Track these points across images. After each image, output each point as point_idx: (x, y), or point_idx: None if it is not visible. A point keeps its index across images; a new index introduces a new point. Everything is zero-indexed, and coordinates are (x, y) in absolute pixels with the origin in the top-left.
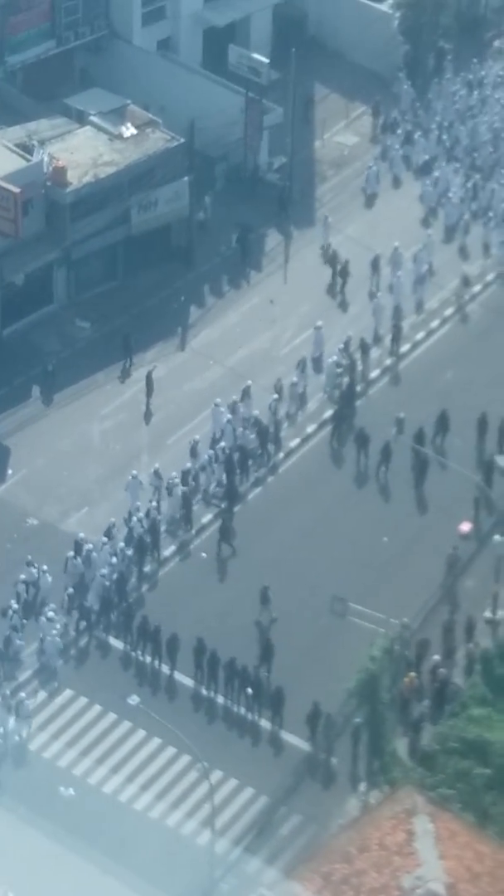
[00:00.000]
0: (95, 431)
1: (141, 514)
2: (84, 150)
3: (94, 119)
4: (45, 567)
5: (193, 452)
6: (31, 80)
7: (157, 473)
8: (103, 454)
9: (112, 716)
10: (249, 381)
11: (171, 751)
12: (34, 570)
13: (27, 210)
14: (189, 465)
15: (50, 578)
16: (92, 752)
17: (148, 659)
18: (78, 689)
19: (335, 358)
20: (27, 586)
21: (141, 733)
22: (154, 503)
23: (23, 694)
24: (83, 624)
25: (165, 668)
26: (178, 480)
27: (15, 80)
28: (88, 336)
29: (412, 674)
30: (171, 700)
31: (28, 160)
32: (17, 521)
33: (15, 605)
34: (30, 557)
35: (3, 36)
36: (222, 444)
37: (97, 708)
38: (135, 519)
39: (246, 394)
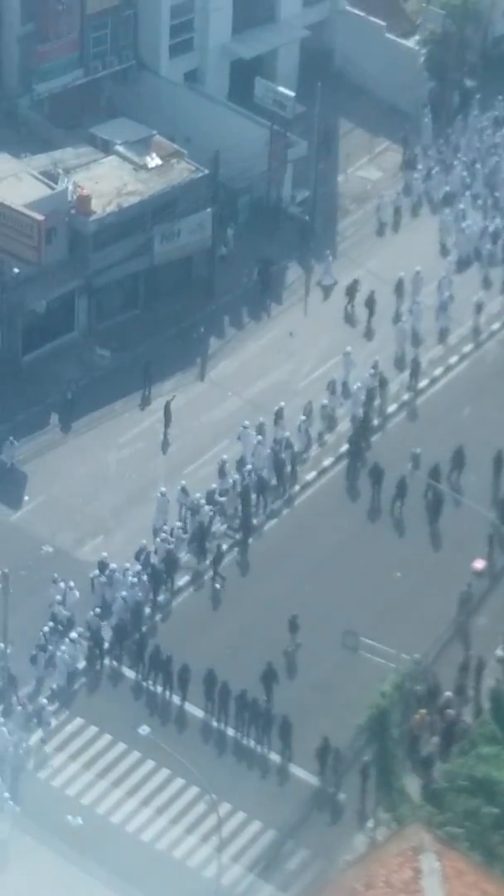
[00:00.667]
0: (112, 460)
1: (166, 533)
2: (109, 180)
3: (119, 149)
4: (71, 583)
5: (221, 473)
6: (57, 109)
7: (184, 490)
8: (120, 483)
9: (122, 745)
10: (282, 403)
11: (179, 782)
12: (62, 586)
13: (50, 238)
14: (215, 485)
15: (77, 594)
16: (101, 781)
17: (159, 689)
18: (89, 718)
19: (359, 384)
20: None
21: (150, 764)
22: (179, 522)
23: (43, 700)
24: (97, 652)
25: (176, 699)
26: (202, 500)
27: (42, 109)
28: (108, 364)
29: (422, 711)
30: (181, 731)
31: (53, 188)
32: (32, 549)
33: (50, 625)
34: (56, 575)
35: (31, 64)
36: (248, 466)
37: (107, 737)
38: (161, 537)
39: (279, 416)
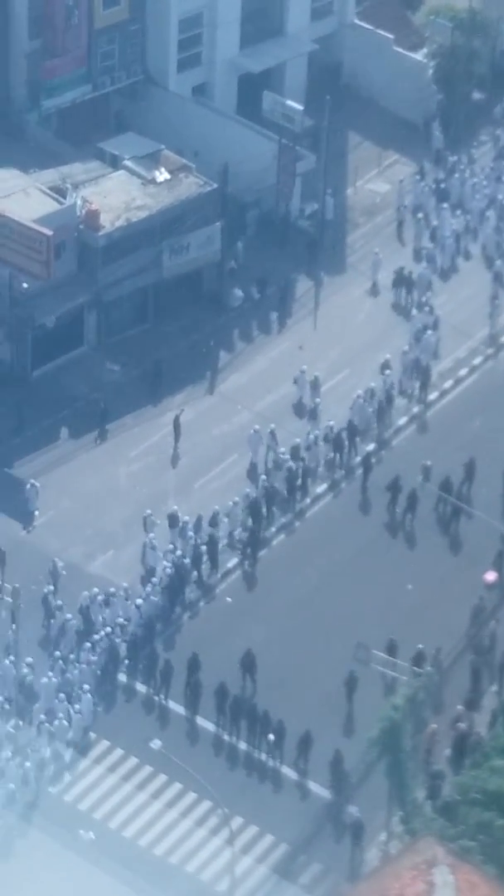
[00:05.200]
0: (122, 474)
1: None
2: (117, 194)
3: (127, 163)
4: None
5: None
6: (66, 124)
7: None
8: (130, 497)
9: (134, 760)
10: (318, 399)
11: (191, 796)
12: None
13: (59, 253)
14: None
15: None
16: (113, 796)
17: (171, 703)
18: (100, 733)
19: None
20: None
21: (162, 778)
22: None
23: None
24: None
25: (188, 713)
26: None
27: (50, 124)
28: (118, 379)
29: (434, 726)
30: (193, 745)
31: (61, 203)
32: (42, 563)
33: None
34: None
35: (39, 80)
36: (263, 476)
37: (119, 752)
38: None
39: (314, 414)
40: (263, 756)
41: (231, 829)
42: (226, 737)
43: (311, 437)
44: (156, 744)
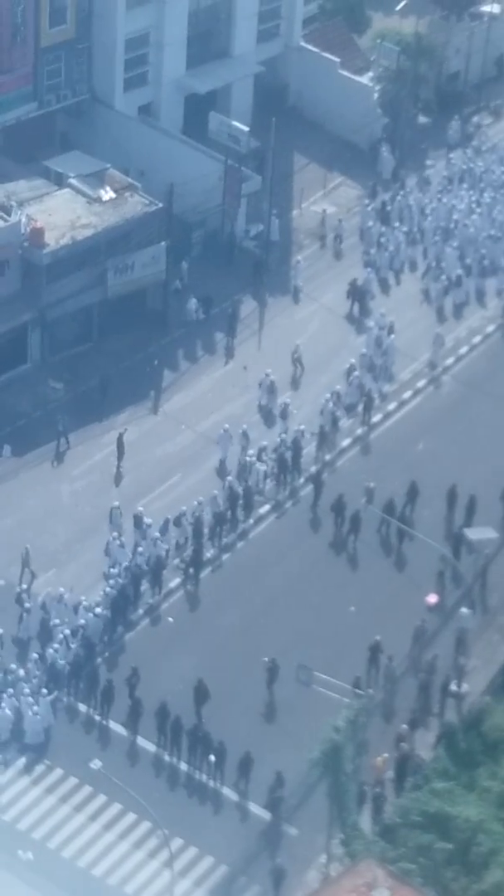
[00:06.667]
0: (65, 492)
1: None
2: (62, 213)
3: (73, 182)
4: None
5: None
6: (11, 142)
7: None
8: (72, 515)
9: (73, 780)
10: (288, 399)
11: (131, 817)
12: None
13: (3, 270)
14: (184, 507)
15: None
16: (52, 816)
17: (111, 723)
18: (40, 753)
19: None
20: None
21: (102, 798)
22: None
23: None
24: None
25: (128, 733)
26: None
27: None
28: (61, 397)
29: (385, 755)
30: (133, 765)
31: (6, 220)
32: None
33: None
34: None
35: None
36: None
37: (59, 772)
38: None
39: (284, 413)
40: (204, 777)
41: (171, 850)
42: (166, 757)
43: (279, 439)
44: (95, 764)
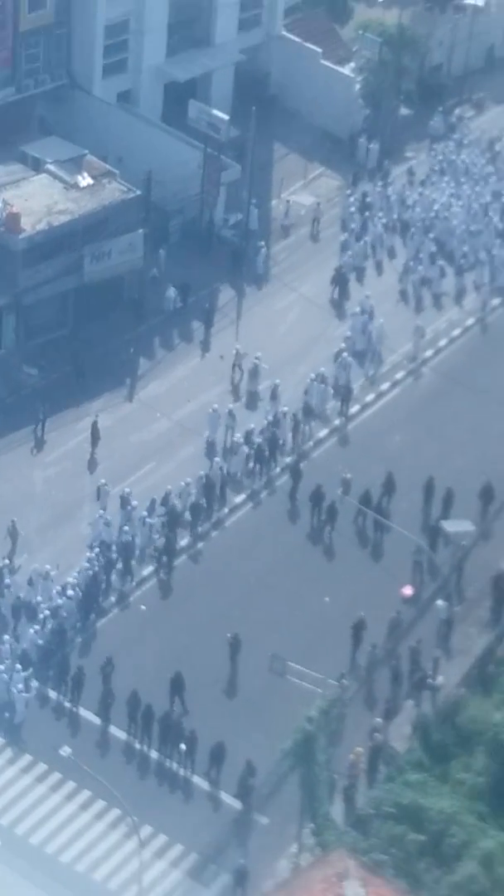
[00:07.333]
0: (38, 478)
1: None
2: (39, 198)
3: (50, 167)
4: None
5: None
6: None
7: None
8: (45, 502)
9: (42, 766)
10: (278, 380)
11: (100, 804)
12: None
13: None
14: (170, 486)
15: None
16: (20, 802)
17: (82, 710)
18: (9, 738)
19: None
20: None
21: (71, 785)
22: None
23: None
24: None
25: (99, 720)
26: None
27: None
28: (35, 383)
29: (359, 749)
30: (104, 753)
31: None
32: None
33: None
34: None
35: None
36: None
37: (27, 757)
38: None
39: (274, 394)
40: (175, 766)
41: (140, 837)
42: (137, 745)
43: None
44: (65, 751)
